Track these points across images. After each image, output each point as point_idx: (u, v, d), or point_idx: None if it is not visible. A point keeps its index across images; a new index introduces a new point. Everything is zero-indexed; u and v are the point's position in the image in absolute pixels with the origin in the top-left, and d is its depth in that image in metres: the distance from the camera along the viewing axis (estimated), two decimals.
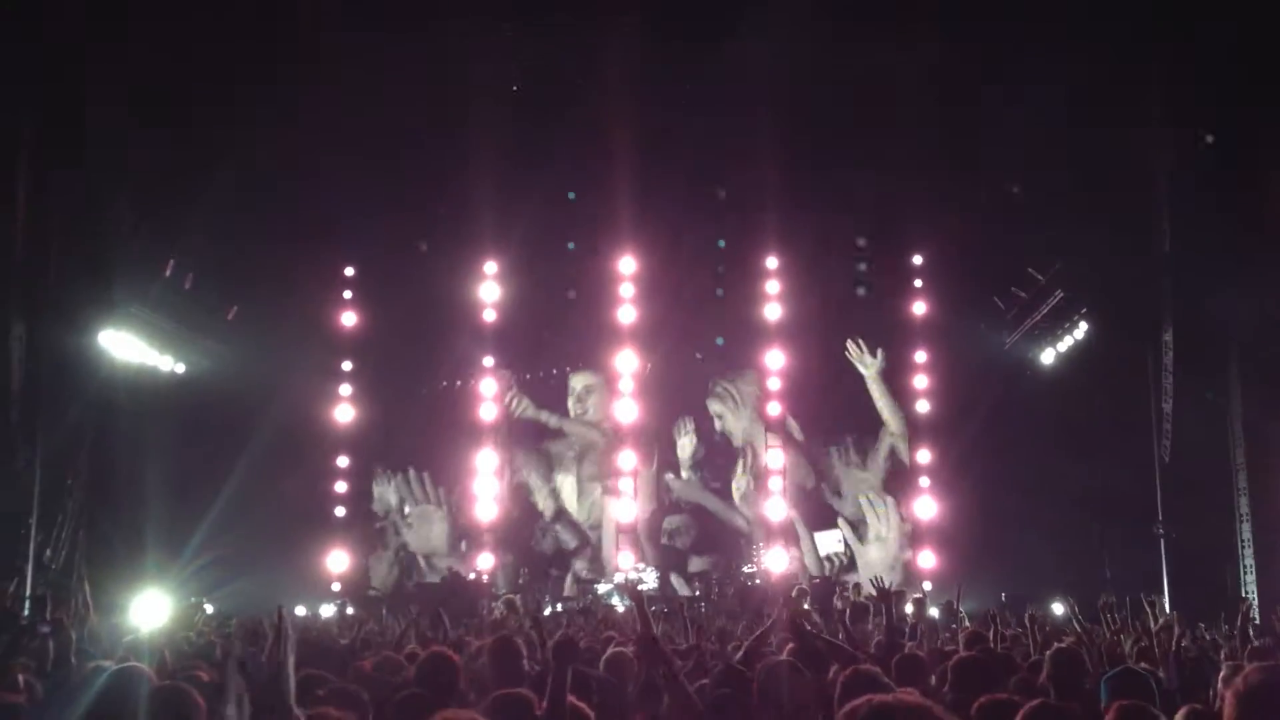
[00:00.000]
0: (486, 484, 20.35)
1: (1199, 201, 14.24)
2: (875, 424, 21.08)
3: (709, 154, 18.07)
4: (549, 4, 16.08)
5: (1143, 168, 14.93)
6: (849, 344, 20.85)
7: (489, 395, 20.58)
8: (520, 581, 19.34)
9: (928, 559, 20.17)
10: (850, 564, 20.59)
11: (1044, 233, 17.11)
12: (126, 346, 16.10)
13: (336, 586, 19.23)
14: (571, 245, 20.43)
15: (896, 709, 2.10)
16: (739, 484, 21.10)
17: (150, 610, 10.44)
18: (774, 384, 20.59)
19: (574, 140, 17.36)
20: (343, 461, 20.45)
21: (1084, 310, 17.75)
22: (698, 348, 21.31)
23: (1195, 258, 14.66)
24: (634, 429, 20.49)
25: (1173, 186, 14.64)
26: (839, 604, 8.56)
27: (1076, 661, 5.18)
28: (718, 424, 21.27)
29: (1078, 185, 15.59)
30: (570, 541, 20.93)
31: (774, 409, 20.67)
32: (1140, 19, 13.36)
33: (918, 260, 20.82)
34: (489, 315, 20.53)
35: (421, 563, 20.66)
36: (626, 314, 20.39)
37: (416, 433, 20.68)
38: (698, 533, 21.10)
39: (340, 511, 20.32)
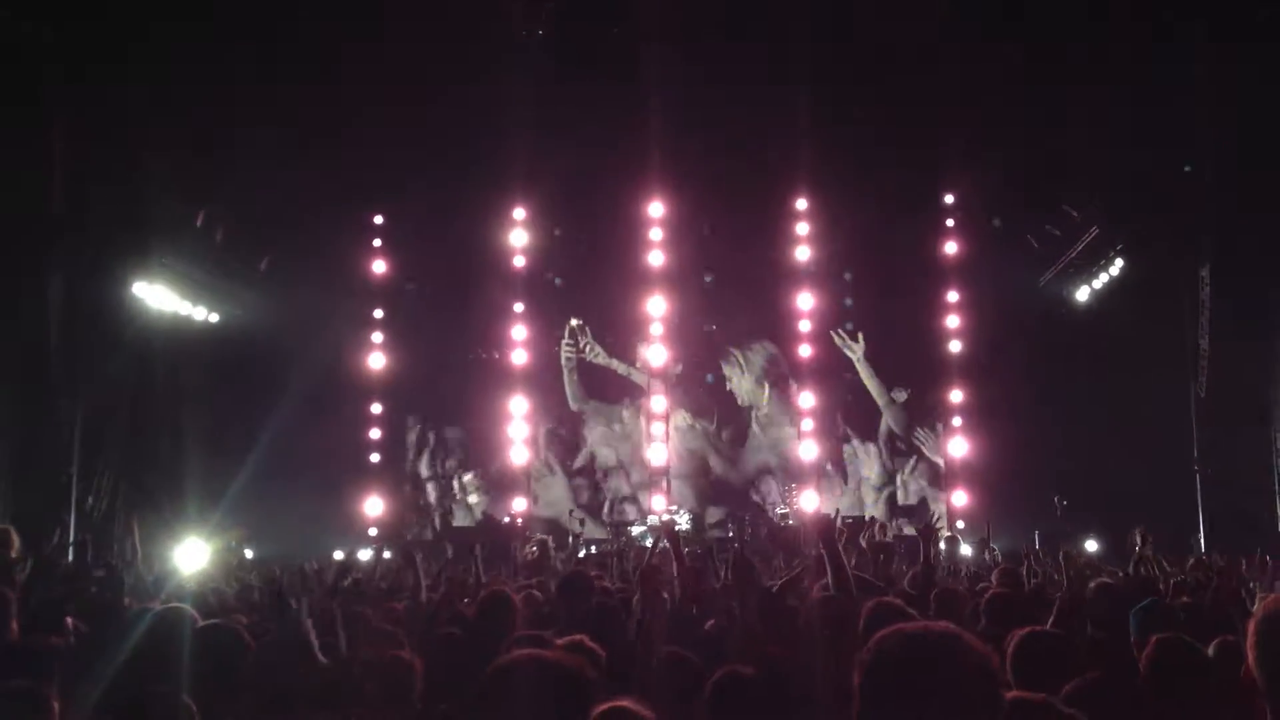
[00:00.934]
0: (519, 429, 20.49)
1: (1241, 132, 13.90)
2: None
3: (739, 94, 17.64)
4: None
5: (1184, 87, 14.35)
6: (832, 334, 21.01)
7: (520, 340, 20.64)
8: (578, 520, 19.44)
9: (960, 498, 20.15)
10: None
11: (1080, 170, 16.77)
12: (161, 297, 16.24)
13: (373, 531, 19.48)
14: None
15: (927, 636, 2.08)
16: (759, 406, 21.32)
17: (191, 556, 10.67)
18: (805, 326, 20.56)
19: (606, 87, 17.05)
20: (376, 408, 20.65)
21: (1120, 247, 17.47)
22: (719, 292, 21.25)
23: (1234, 190, 14.37)
24: (663, 372, 20.63)
25: (1215, 111, 14.21)
26: (863, 543, 8.60)
27: (1115, 595, 5.18)
28: (727, 385, 21.53)
29: (1115, 111, 15.14)
30: (623, 488, 21.18)
31: (805, 351, 20.63)
32: None
33: (949, 199, 20.54)
34: (518, 261, 20.56)
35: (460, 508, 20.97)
36: (656, 258, 20.40)
37: (448, 382, 20.80)
38: (716, 478, 21.30)
39: (375, 457, 20.55)
